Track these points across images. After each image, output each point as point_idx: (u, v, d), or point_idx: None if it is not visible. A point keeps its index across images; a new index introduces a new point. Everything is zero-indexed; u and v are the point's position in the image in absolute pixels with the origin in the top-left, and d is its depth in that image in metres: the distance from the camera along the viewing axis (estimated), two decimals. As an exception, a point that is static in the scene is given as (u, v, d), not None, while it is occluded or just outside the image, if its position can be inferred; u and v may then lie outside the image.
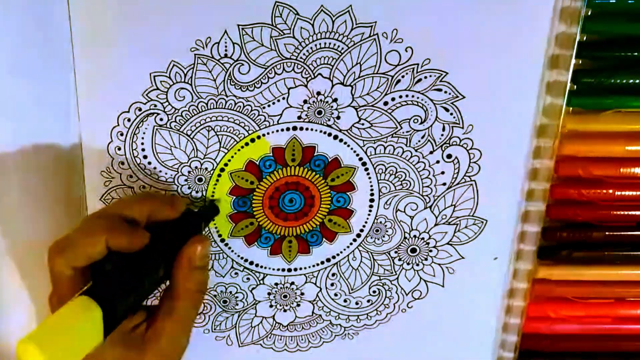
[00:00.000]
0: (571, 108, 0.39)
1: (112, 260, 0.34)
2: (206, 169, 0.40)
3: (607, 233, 0.42)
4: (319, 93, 0.38)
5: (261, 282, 0.44)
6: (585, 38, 0.37)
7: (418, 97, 0.38)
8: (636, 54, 0.38)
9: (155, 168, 0.40)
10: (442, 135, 0.39)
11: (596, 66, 0.38)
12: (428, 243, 0.43)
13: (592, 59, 0.38)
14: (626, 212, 0.42)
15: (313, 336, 0.47)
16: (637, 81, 0.38)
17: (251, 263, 0.43)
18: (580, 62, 0.38)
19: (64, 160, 0.39)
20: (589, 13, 0.37)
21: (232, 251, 0.43)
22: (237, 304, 0.45)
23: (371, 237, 0.43)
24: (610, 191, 0.41)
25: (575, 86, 0.38)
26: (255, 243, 0.43)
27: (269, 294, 0.44)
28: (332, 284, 0.44)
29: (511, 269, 0.44)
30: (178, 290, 0.36)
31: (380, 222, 0.42)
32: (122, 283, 0.33)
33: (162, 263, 0.35)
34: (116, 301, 0.32)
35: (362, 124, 0.39)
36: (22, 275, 0.43)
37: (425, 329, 0.46)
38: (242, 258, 0.43)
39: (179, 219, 0.37)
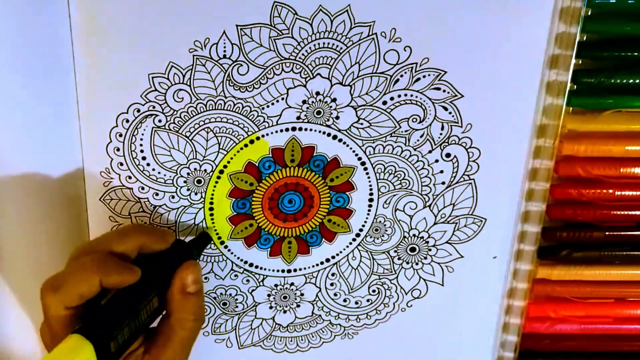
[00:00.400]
0: (571, 108, 0.40)
1: (104, 295, 0.34)
2: (205, 170, 0.40)
3: (607, 233, 0.43)
4: (318, 93, 0.38)
5: (261, 283, 0.44)
6: (585, 38, 0.38)
7: (417, 96, 0.38)
8: (636, 54, 0.38)
9: (154, 169, 0.40)
10: (440, 134, 0.40)
11: (596, 66, 0.39)
12: (427, 242, 0.44)
13: (592, 59, 0.38)
14: (626, 212, 0.42)
15: (313, 336, 0.47)
16: (637, 81, 0.38)
17: (251, 265, 0.44)
18: (580, 62, 0.38)
19: (64, 160, 0.40)
20: (589, 13, 0.37)
21: (232, 253, 0.43)
22: (236, 306, 0.45)
23: (370, 237, 0.43)
24: (610, 191, 0.41)
25: (575, 86, 0.39)
26: (255, 245, 0.43)
27: (268, 295, 0.45)
28: (331, 284, 0.45)
29: (511, 268, 0.45)
30: (174, 319, 0.36)
31: (380, 222, 0.43)
32: (115, 318, 0.33)
33: (156, 294, 0.36)
34: (109, 338, 0.32)
35: (361, 124, 0.39)
36: (22, 275, 0.43)
37: (425, 328, 0.47)
38: (241, 260, 0.43)
39: (169, 248, 0.38)
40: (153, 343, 0.36)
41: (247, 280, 0.44)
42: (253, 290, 0.45)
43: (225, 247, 0.43)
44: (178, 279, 0.36)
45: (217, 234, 0.42)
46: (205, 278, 0.44)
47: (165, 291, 0.36)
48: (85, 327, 0.32)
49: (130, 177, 0.40)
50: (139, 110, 0.38)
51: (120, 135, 0.39)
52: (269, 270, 0.44)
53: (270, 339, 0.47)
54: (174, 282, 0.36)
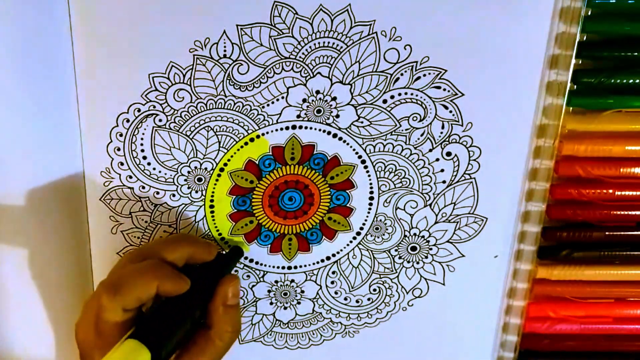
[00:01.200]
0: (571, 108, 0.40)
1: (154, 303, 0.36)
2: (206, 168, 0.41)
3: (607, 233, 0.43)
4: (318, 92, 0.39)
5: (261, 279, 0.45)
6: (585, 38, 0.38)
7: (417, 95, 0.39)
8: (636, 54, 0.38)
9: (154, 169, 0.41)
10: (441, 132, 0.40)
11: (596, 66, 0.39)
12: (428, 241, 0.44)
13: (592, 59, 0.39)
14: (626, 212, 0.43)
15: (314, 334, 0.48)
16: (637, 81, 0.39)
17: (251, 261, 0.44)
18: (580, 62, 0.39)
19: (64, 160, 0.40)
20: (589, 13, 0.37)
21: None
22: None
23: (371, 235, 0.44)
24: (610, 191, 0.42)
25: (575, 86, 0.39)
26: (255, 241, 0.44)
27: (269, 291, 0.46)
28: (332, 282, 0.46)
29: (511, 268, 0.45)
30: (214, 330, 0.38)
31: (380, 220, 0.43)
32: (167, 325, 0.35)
33: (200, 304, 0.38)
34: (163, 343, 0.34)
35: (362, 122, 0.40)
36: (22, 275, 0.43)
37: (425, 327, 0.47)
38: (223, 241, 0.44)
39: (212, 260, 0.40)
40: (187, 352, 0.37)
41: (248, 276, 0.45)
42: (253, 286, 0.45)
43: (225, 243, 0.44)
44: (221, 291, 0.38)
45: (217, 230, 0.43)
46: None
47: (205, 303, 0.38)
48: (140, 332, 0.34)
49: (130, 177, 0.41)
50: (139, 110, 0.39)
51: (121, 135, 0.39)
52: (270, 266, 0.45)
53: (270, 334, 0.48)
54: (217, 294, 0.38)
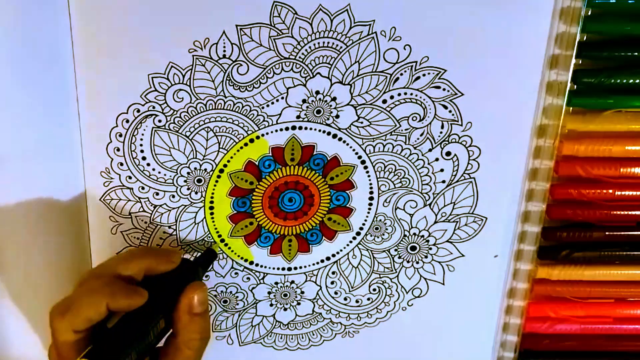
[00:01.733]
0: (571, 108, 0.40)
1: (111, 318, 0.36)
2: (205, 169, 0.41)
3: (607, 233, 0.44)
4: (317, 92, 0.39)
5: (261, 281, 0.45)
6: (585, 38, 0.38)
7: (417, 95, 0.39)
8: (636, 54, 0.39)
9: (154, 169, 0.41)
10: (440, 132, 0.41)
11: (596, 66, 0.39)
12: (428, 241, 0.44)
13: (592, 59, 0.39)
14: (626, 212, 0.43)
15: (313, 334, 0.48)
16: (637, 81, 0.39)
17: (251, 263, 0.45)
18: (580, 62, 0.39)
19: (64, 161, 0.40)
20: (589, 13, 0.38)
21: (232, 251, 0.44)
22: (237, 304, 0.46)
23: (371, 235, 0.44)
24: (610, 191, 0.42)
25: (575, 86, 0.39)
26: (255, 242, 0.44)
27: (269, 293, 0.46)
28: (332, 282, 0.46)
29: (511, 268, 0.46)
30: (181, 339, 0.38)
31: (380, 220, 0.44)
32: (122, 341, 0.35)
33: (162, 315, 0.37)
34: None
35: (361, 122, 0.40)
36: (21, 277, 0.44)
37: (425, 327, 0.48)
38: (242, 258, 0.45)
39: (175, 269, 0.39)
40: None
41: (248, 278, 0.45)
42: (253, 288, 0.46)
43: (225, 244, 0.44)
44: (185, 300, 0.38)
45: (217, 232, 0.43)
46: (206, 277, 0.45)
47: (171, 312, 0.38)
48: (93, 351, 0.34)
49: (130, 177, 0.41)
50: (139, 111, 0.39)
51: (120, 136, 0.40)
52: (269, 268, 0.45)
53: (270, 336, 0.48)
54: (181, 303, 0.38)
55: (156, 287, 0.37)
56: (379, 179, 0.42)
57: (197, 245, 0.43)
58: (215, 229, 0.43)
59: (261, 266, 0.45)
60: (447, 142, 0.41)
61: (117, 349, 0.34)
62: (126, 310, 0.35)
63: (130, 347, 0.35)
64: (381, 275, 0.46)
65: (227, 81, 0.38)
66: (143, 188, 0.41)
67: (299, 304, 0.47)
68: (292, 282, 0.46)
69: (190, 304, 0.38)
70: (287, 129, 0.40)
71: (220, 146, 0.40)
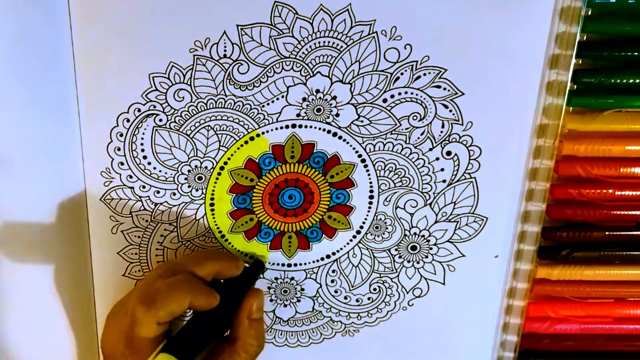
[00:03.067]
0: (571, 108, 0.41)
1: (184, 317, 0.38)
2: (206, 167, 0.42)
3: (607, 233, 0.44)
4: (318, 91, 0.40)
5: (261, 276, 0.46)
6: (585, 38, 0.39)
7: (417, 94, 0.40)
8: (636, 54, 0.39)
9: (155, 168, 0.42)
10: (441, 132, 0.41)
11: (596, 66, 0.40)
12: (428, 240, 0.45)
13: (592, 59, 0.40)
14: (626, 212, 0.43)
15: (313, 332, 0.49)
16: (637, 81, 0.40)
17: (251, 258, 0.45)
18: (580, 62, 0.40)
19: (64, 160, 0.41)
20: (589, 13, 0.38)
21: (232, 246, 0.45)
22: None
23: (371, 234, 0.45)
24: (610, 191, 0.42)
25: (575, 86, 0.40)
26: (255, 238, 0.45)
27: (269, 288, 0.47)
28: (332, 281, 0.46)
29: (511, 268, 0.46)
30: (240, 343, 0.40)
31: (380, 219, 0.44)
32: (196, 340, 0.37)
33: (227, 318, 0.39)
34: (193, 358, 0.36)
35: (362, 121, 0.41)
36: (22, 276, 0.44)
37: (425, 327, 0.48)
38: (241, 253, 0.45)
39: (238, 275, 0.42)
40: None
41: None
42: (253, 283, 0.47)
43: (226, 240, 0.45)
44: (246, 305, 0.40)
45: (217, 228, 0.44)
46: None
47: (231, 316, 0.40)
48: (172, 346, 0.36)
49: (131, 177, 0.42)
50: (139, 110, 0.40)
51: (121, 135, 0.41)
52: (269, 263, 0.46)
53: (271, 332, 0.48)
54: (242, 308, 0.40)
55: (221, 291, 0.39)
56: (379, 178, 0.43)
57: (198, 242, 0.44)
58: (216, 225, 0.44)
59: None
60: (447, 142, 0.42)
61: (192, 345, 0.36)
62: (202, 309, 0.38)
63: (202, 344, 0.37)
64: (381, 275, 0.46)
65: (228, 80, 0.39)
66: (144, 187, 0.42)
67: (299, 301, 0.47)
68: (292, 278, 0.46)
69: (251, 309, 0.40)
70: (287, 127, 0.41)
71: (221, 144, 0.41)
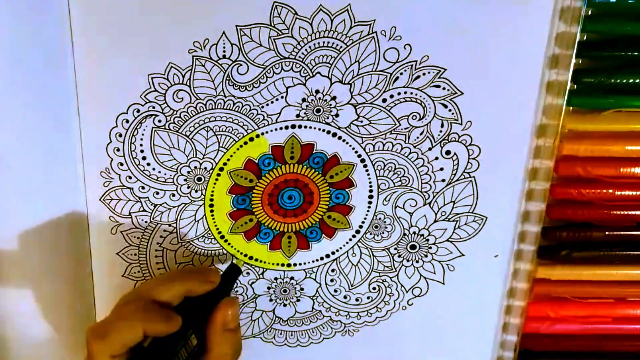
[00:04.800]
0: (571, 108, 0.41)
1: (146, 339, 0.37)
2: (205, 168, 0.42)
3: (607, 233, 0.44)
4: (317, 91, 0.40)
5: (261, 276, 0.46)
6: (585, 38, 0.39)
7: (416, 94, 0.40)
8: (636, 53, 0.39)
9: (154, 169, 0.42)
10: (440, 131, 0.41)
11: (596, 66, 0.40)
12: (428, 240, 0.45)
13: (592, 58, 0.40)
14: (626, 212, 0.43)
15: (313, 332, 0.49)
16: (637, 81, 0.40)
17: (250, 258, 0.46)
18: (580, 62, 0.40)
19: (64, 161, 0.41)
20: (589, 13, 0.38)
21: (232, 246, 0.45)
22: (236, 297, 0.47)
23: (370, 234, 0.45)
24: (610, 191, 0.43)
25: (575, 86, 0.40)
26: (255, 238, 0.45)
27: (268, 288, 0.47)
28: (331, 280, 0.47)
29: (511, 268, 0.46)
30: (214, 355, 0.39)
31: (380, 219, 0.44)
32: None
33: (193, 332, 0.38)
34: None
35: (361, 121, 0.41)
36: (21, 277, 0.45)
37: (425, 326, 0.49)
38: (241, 253, 0.46)
39: None
40: None
41: (247, 273, 0.46)
42: (253, 283, 0.47)
43: (225, 240, 0.45)
44: (219, 316, 0.39)
45: (217, 229, 0.44)
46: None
47: (203, 328, 0.39)
48: None
49: (130, 177, 0.42)
50: (138, 111, 0.40)
51: (120, 136, 0.41)
52: (269, 263, 0.46)
53: (270, 331, 0.49)
54: (215, 319, 0.39)
55: (189, 305, 0.39)
56: (378, 178, 0.43)
57: (197, 243, 0.45)
58: (216, 226, 0.44)
59: (261, 261, 0.46)
60: (446, 141, 0.42)
61: None
62: (161, 335, 0.37)
63: None
64: (381, 274, 0.46)
65: (227, 81, 0.39)
66: (143, 188, 0.43)
67: (298, 300, 0.47)
68: (292, 278, 0.47)
69: (225, 320, 0.39)
70: (286, 127, 0.41)
71: (220, 145, 0.41)
